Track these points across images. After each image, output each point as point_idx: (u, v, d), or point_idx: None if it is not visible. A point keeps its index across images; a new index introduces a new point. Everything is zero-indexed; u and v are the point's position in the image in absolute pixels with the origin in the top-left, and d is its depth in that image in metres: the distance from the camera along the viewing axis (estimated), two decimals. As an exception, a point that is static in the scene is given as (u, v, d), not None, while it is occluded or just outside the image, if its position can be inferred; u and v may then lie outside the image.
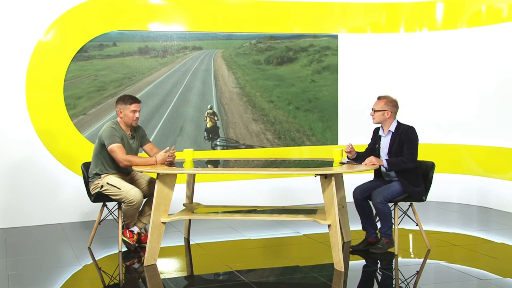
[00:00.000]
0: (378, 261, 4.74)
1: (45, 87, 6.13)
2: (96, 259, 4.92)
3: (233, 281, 4.27)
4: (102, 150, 4.95)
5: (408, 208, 4.98)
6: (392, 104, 4.87)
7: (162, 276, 4.37)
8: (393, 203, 4.85)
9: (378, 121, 4.91)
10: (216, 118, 6.74)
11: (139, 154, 5.17)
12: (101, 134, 4.94)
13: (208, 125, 6.72)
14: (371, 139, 5.09)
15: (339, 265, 4.37)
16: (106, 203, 5.12)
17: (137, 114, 4.99)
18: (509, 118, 6.52)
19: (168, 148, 4.89)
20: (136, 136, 5.10)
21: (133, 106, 4.97)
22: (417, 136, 4.83)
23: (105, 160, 4.97)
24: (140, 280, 4.42)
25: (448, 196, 7.15)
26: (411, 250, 5.17)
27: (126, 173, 5.10)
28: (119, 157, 4.81)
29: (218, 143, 6.77)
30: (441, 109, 7.19)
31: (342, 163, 4.78)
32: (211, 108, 6.73)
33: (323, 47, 7.18)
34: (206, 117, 6.72)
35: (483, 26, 6.78)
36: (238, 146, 6.86)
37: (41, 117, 6.12)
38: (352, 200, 4.95)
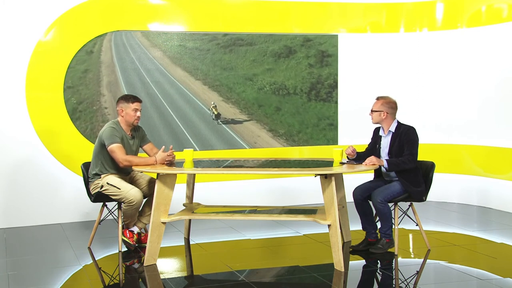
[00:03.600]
0: (378, 261, 4.74)
1: (45, 87, 6.13)
2: (96, 259, 4.92)
3: (233, 281, 4.27)
4: (102, 150, 4.95)
5: (408, 208, 4.98)
6: (389, 105, 4.87)
7: (162, 276, 4.37)
8: (393, 203, 4.85)
9: (376, 121, 4.93)
10: (216, 109, 6.84)
11: (139, 154, 5.17)
12: (101, 134, 4.94)
13: (215, 113, 6.78)
14: (372, 139, 5.10)
15: (339, 265, 4.37)
16: (106, 203, 5.12)
17: (138, 113, 5.00)
18: (509, 118, 6.52)
19: (164, 147, 4.89)
20: (136, 136, 5.10)
21: (135, 105, 4.98)
22: (417, 136, 4.84)
23: (105, 160, 4.96)
24: (140, 280, 4.42)
25: (448, 196, 7.15)
26: (411, 250, 5.17)
27: (126, 173, 5.10)
28: (119, 158, 4.81)
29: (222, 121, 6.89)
30: (441, 109, 7.20)
31: (342, 163, 4.78)
32: (214, 104, 6.77)
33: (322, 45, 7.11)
34: (212, 108, 6.76)
35: (483, 26, 6.78)
36: (243, 120, 6.89)
37: (41, 117, 6.12)
38: (352, 200, 4.95)
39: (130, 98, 5.01)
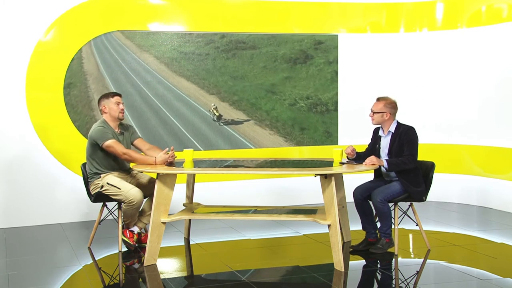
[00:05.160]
0: (378, 261, 4.73)
1: (45, 87, 6.13)
2: (96, 259, 4.92)
3: (233, 281, 4.27)
4: (94, 151, 4.94)
5: (408, 208, 4.98)
6: (391, 106, 4.87)
7: (162, 276, 4.37)
8: (393, 203, 4.85)
9: (377, 123, 4.92)
10: (217, 110, 6.69)
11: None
12: (91, 135, 4.92)
13: (217, 114, 6.60)
14: (371, 139, 5.09)
15: (339, 265, 4.37)
16: (106, 203, 5.12)
17: (121, 106, 5.01)
18: (509, 118, 6.52)
19: (167, 149, 4.89)
20: (125, 133, 5.10)
21: (115, 99, 5.00)
22: (417, 136, 4.83)
23: (99, 160, 4.95)
24: (140, 280, 4.42)
25: (448, 196, 7.15)
26: (411, 250, 5.17)
27: (124, 170, 5.09)
28: (119, 151, 4.80)
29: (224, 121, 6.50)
30: (441, 109, 7.20)
31: (342, 163, 4.78)
32: (214, 105, 6.69)
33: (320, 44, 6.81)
34: (213, 109, 6.62)
35: (483, 26, 6.78)
36: (242, 121, 6.54)
37: (41, 117, 6.12)
38: (352, 200, 4.95)
39: (110, 94, 5.06)
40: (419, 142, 4.84)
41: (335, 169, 4.57)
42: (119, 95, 5.07)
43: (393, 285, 4.26)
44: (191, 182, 5.36)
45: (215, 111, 6.51)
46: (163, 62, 6.45)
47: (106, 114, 5.00)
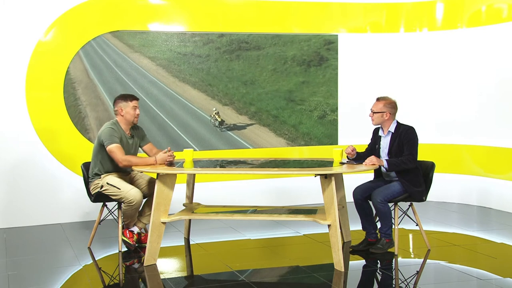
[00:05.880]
0: (378, 261, 4.73)
1: (45, 87, 6.13)
2: (96, 259, 4.92)
3: (233, 281, 4.27)
4: (101, 150, 4.95)
5: (408, 208, 4.98)
6: (391, 106, 4.87)
7: (162, 276, 4.37)
8: (393, 203, 4.85)
9: (377, 123, 4.91)
10: (219, 115, 6.61)
11: (138, 154, 5.17)
12: (100, 134, 4.94)
13: (219, 119, 6.49)
14: (371, 139, 5.09)
15: (339, 265, 4.37)
16: (106, 203, 5.12)
17: (137, 111, 5.01)
18: (509, 118, 6.52)
19: (166, 150, 4.89)
20: (135, 136, 5.10)
21: (134, 103, 4.99)
22: (416, 136, 4.83)
23: (104, 160, 4.96)
24: (140, 280, 4.43)
25: (448, 196, 7.15)
26: (411, 250, 5.17)
27: (125, 172, 5.10)
28: (118, 158, 4.81)
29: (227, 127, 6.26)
30: (441, 109, 7.20)
31: (342, 163, 4.78)
32: (216, 110, 6.64)
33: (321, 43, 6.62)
34: (214, 114, 6.55)
35: (483, 26, 6.78)
36: (245, 126, 6.33)
37: (41, 117, 6.12)
38: (352, 200, 4.95)
39: (128, 97, 5.03)
40: (419, 142, 4.84)
41: (335, 169, 4.57)
42: (137, 98, 5.06)
43: (393, 285, 4.26)
44: (191, 182, 5.36)
45: (216, 116, 6.27)
46: (160, 65, 6.31)
47: (120, 117, 5.00)
